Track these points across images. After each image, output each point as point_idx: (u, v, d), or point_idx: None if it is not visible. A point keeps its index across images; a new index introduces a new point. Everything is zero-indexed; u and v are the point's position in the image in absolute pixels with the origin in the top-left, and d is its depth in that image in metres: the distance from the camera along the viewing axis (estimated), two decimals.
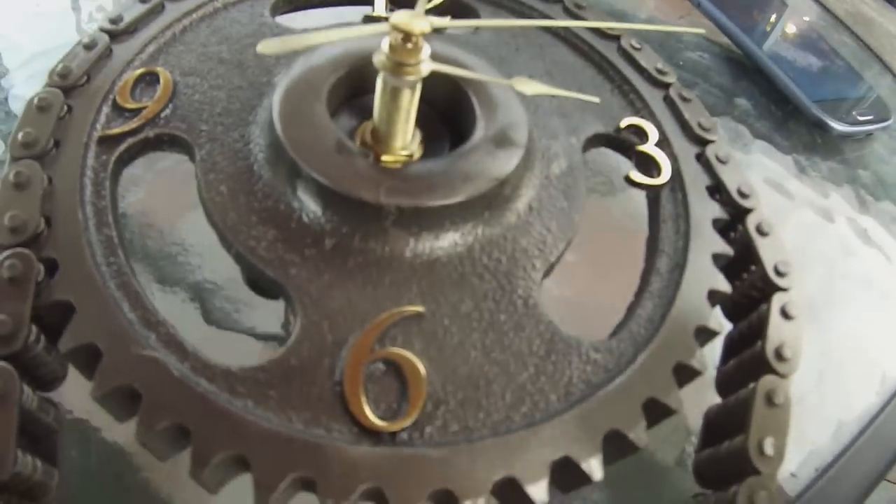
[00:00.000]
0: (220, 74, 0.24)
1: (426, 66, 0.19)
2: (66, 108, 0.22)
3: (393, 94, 0.20)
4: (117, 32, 0.24)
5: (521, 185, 0.22)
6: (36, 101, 0.22)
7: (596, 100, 0.23)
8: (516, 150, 0.22)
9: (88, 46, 0.24)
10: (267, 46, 0.19)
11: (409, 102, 0.21)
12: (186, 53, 0.25)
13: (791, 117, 0.36)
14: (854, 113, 0.36)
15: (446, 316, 0.19)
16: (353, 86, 0.23)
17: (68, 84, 0.23)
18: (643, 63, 0.28)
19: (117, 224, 0.20)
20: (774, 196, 0.33)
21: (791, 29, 0.41)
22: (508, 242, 0.21)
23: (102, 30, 0.24)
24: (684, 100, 0.27)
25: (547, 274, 0.21)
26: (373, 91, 0.22)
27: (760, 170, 0.34)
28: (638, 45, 0.28)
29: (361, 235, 0.20)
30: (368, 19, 0.27)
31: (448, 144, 0.23)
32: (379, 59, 0.19)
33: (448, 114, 0.23)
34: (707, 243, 0.23)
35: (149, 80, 0.23)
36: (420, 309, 0.19)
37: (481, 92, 0.23)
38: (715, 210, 0.24)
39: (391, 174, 0.20)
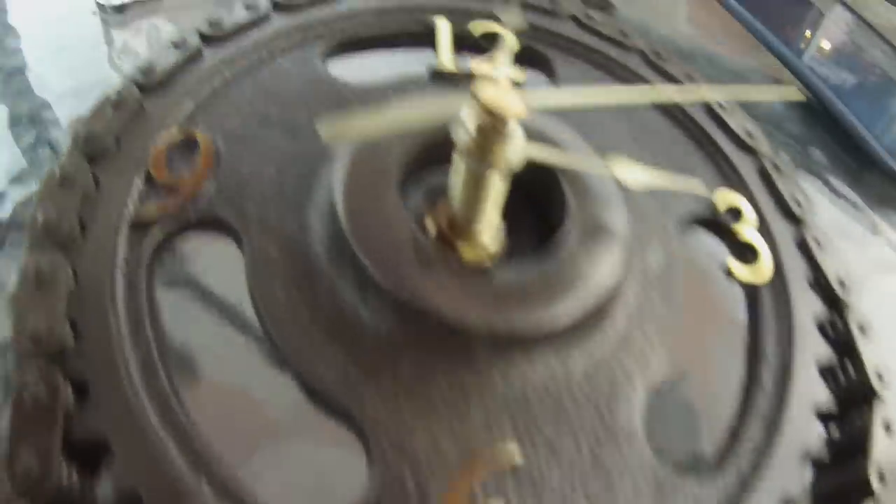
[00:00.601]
0: (269, 141, 0.20)
1: (519, 153, 0.16)
2: (93, 181, 0.19)
3: (478, 181, 0.17)
4: (149, 86, 0.21)
5: (623, 296, 0.19)
6: (58, 172, 0.18)
7: (705, 192, 0.20)
8: (616, 244, 0.18)
9: (117, 105, 0.20)
10: (330, 131, 0.15)
11: (498, 191, 0.17)
12: (229, 113, 0.21)
13: (866, 167, 0.33)
14: None
15: (544, 459, 0.16)
16: (427, 156, 0.19)
17: (95, 151, 0.19)
18: (732, 125, 0.25)
19: (157, 333, 0.17)
20: (852, 254, 0.30)
21: (864, 74, 0.38)
22: (609, 363, 0.18)
23: (133, 82, 0.21)
24: (779, 171, 0.24)
25: (648, 394, 0.18)
26: (448, 160, 0.18)
27: (836, 227, 0.31)
28: (726, 105, 0.25)
29: (447, 360, 0.17)
30: (436, 76, 0.23)
31: (531, 228, 0.20)
32: (462, 140, 0.16)
33: (531, 191, 0.20)
34: (812, 350, 0.20)
35: (187, 146, 0.20)
36: (516, 460, 0.16)
37: (573, 175, 0.19)
38: (816, 306, 0.21)
39: (480, 287, 0.17)
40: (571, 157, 0.18)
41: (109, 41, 0.32)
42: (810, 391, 0.19)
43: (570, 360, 0.18)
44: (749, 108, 0.34)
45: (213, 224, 0.19)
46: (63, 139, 0.28)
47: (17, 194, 0.25)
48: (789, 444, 0.18)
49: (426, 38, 0.25)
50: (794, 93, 0.23)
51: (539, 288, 0.17)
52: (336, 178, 0.18)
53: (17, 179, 0.26)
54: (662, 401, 0.20)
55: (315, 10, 0.24)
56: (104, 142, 0.19)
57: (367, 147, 0.19)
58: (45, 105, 0.29)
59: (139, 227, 0.18)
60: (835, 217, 0.32)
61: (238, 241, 0.18)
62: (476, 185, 0.17)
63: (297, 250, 0.18)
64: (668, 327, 0.19)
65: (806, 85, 0.35)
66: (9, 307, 0.16)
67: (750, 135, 0.25)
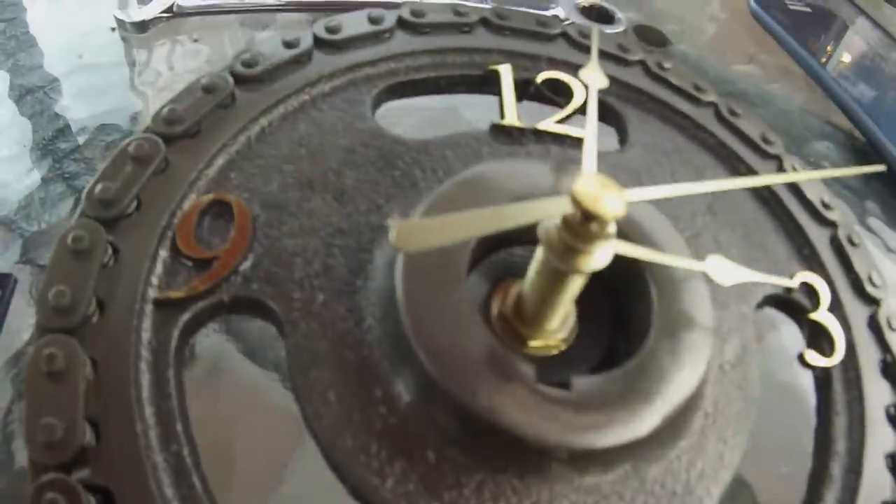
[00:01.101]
0: (313, 209, 0.18)
1: (608, 254, 0.14)
2: (110, 251, 0.16)
3: (556, 277, 0.15)
4: (175, 136, 0.18)
5: (698, 394, 0.17)
6: (70, 240, 0.16)
7: (793, 284, 0.18)
8: (703, 343, 0.16)
9: (137, 157, 0.17)
10: (404, 236, 0.13)
11: (576, 287, 0.15)
12: (267, 172, 0.18)
13: None
14: None
15: None
16: (496, 240, 0.17)
17: (112, 214, 0.17)
18: (809, 195, 0.22)
19: (187, 433, 0.15)
20: None
21: (885, 89, 0.36)
22: (683, 467, 0.16)
23: (155, 132, 0.18)
24: (853, 245, 0.22)
25: (721, 498, 0.17)
26: (516, 243, 0.16)
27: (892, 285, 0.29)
28: (798, 167, 0.23)
29: (517, 474, 0.15)
30: (498, 130, 0.21)
31: (606, 318, 0.18)
32: (547, 234, 0.14)
33: (609, 279, 0.18)
34: (882, 441, 0.18)
35: (219, 211, 0.17)
36: None
37: (658, 268, 0.17)
38: (888, 394, 0.19)
39: (557, 398, 0.15)
40: (665, 255, 0.16)
41: (131, 61, 0.30)
42: (879, 485, 0.18)
43: (645, 468, 0.16)
44: (802, 151, 0.32)
45: (249, 306, 0.16)
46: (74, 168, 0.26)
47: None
48: None
49: (486, 87, 0.23)
50: (879, 167, 0.20)
51: (621, 395, 0.15)
52: (397, 262, 0.16)
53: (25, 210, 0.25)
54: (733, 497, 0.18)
55: (364, 48, 0.22)
56: (123, 203, 0.17)
57: None
58: (63, 131, 0.27)
59: (165, 307, 0.16)
60: (891, 275, 0.30)
61: (279, 328, 0.16)
62: (554, 279, 0.15)
63: (348, 343, 0.16)
64: (742, 423, 0.17)
65: (855, 123, 0.33)
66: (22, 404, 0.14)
67: (826, 206, 0.22)
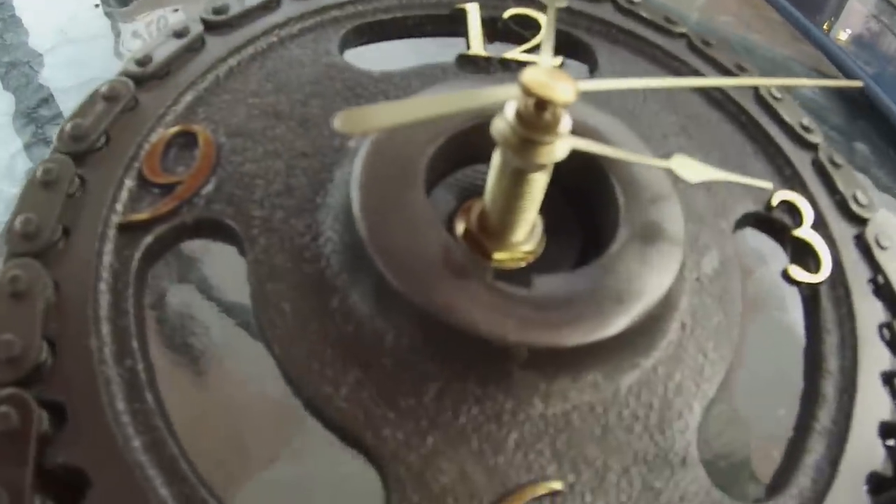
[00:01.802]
0: (277, 136, 0.18)
1: (564, 145, 0.14)
2: (77, 181, 0.16)
3: (516, 178, 0.15)
4: (145, 77, 0.18)
5: (674, 304, 0.16)
6: (40, 173, 0.16)
7: (768, 185, 0.17)
8: (673, 250, 0.16)
9: (108, 97, 0.17)
10: (347, 122, 0.12)
11: (537, 188, 0.15)
12: (233, 105, 0.18)
13: None
14: None
15: (589, 489, 0.14)
16: (456, 154, 0.17)
17: (81, 148, 0.17)
18: (786, 118, 0.22)
19: (143, 350, 0.15)
20: None
21: (883, 64, 0.35)
22: (660, 378, 0.16)
23: (127, 74, 0.18)
24: (835, 165, 0.21)
25: (704, 413, 0.16)
26: (480, 160, 0.16)
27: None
28: (779, 95, 0.23)
29: (478, 380, 0.14)
30: (464, 60, 0.21)
31: (573, 229, 0.18)
32: (501, 131, 0.14)
33: (576, 192, 0.18)
34: (876, 359, 0.18)
35: (184, 142, 0.17)
36: (558, 485, 0.14)
37: (622, 170, 0.17)
38: (880, 312, 0.19)
39: (518, 298, 0.14)
40: (624, 152, 0.15)
41: (116, 32, 0.30)
42: (876, 405, 0.17)
43: (618, 376, 0.15)
44: (787, 89, 0.31)
45: (211, 227, 0.16)
46: None
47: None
48: (855, 463, 0.16)
49: (453, 26, 0.22)
50: (853, 83, 0.20)
51: (585, 296, 0.15)
52: (353, 175, 0.16)
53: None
54: (718, 417, 0.17)
55: None
56: (91, 138, 0.17)
57: (390, 142, 0.16)
58: (46, 100, 0.27)
59: (128, 230, 0.16)
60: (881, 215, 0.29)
61: (240, 246, 0.16)
62: (514, 181, 0.15)
63: (306, 257, 0.15)
64: (723, 337, 0.17)
65: (846, 74, 0.33)
66: None
67: (806, 128, 0.22)
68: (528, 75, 0.13)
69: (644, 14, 0.24)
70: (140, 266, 0.16)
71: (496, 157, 0.15)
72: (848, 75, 0.32)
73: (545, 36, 0.15)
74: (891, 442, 0.17)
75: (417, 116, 0.13)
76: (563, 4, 0.17)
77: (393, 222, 0.15)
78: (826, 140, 0.30)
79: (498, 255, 0.16)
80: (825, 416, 0.17)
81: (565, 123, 0.13)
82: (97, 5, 0.30)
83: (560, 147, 0.14)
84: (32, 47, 0.30)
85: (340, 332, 0.14)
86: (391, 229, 0.15)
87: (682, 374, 0.16)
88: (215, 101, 0.19)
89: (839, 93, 0.33)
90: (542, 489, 0.13)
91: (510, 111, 0.13)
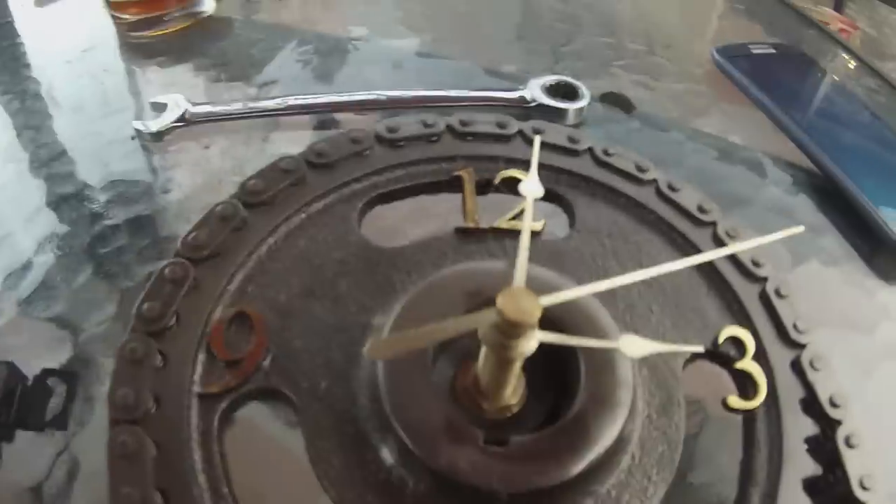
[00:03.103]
0: (314, 314, 0.26)
1: (534, 343, 0.21)
2: (160, 356, 0.24)
3: (499, 365, 0.22)
4: (201, 259, 0.26)
5: (625, 441, 0.24)
6: (128, 352, 0.24)
7: (699, 349, 0.25)
8: (621, 412, 0.23)
9: (172, 280, 0.25)
10: (375, 352, 0.21)
11: (515, 368, 0.22)
12: (277, 285, 0.26)
13: (879, 249, 0.37)
14: None
15: None
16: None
17: (158, 328, 0.24)
18: (740, 256, 0.29)
19: (232, 492, 0.22)
20: (862, 342, 0.34)
21: (879, 149, 0.42)
22: (613, 499, 0.23)
23: (185, 256, 0.26)
24: (780, 296, 0.28)
25: None
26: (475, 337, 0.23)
27: (845, 316, 0.35)
28: (733, 234, 0.30)
29: None
30: (461, 232, 0.29)
31: (550, 387, 0.25)
32: (485, 336, 0.21)
33: (552, 358, 0.24)
34: (799, 468, 0.25)
35: (241, 321, 0.25)
36: None
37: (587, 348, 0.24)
38: (808, 427, 0.26)
39: (501, 455, 0.22)
40: (580, 339, 0.22)
41: (151, 168, 0.38)
42: None
43: (580, 500, 0.23)
44: (757, 197, 0.39)
45: (271, 394, 0.24)
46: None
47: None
48: None
49: (453, 185, 0.30)
50: (798, 230, 0.27)
51: (550, 451, 0.22)
52: (380, 367, 0.23)
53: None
54: None
55: (348, 166, 0.29)
56: (165, 320, 0.24)
57: (403, 325, 0.24)
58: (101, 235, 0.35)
59: (205, 399, 0.23)
60: (845, 305, 0.36)
61: (294, 409, 0.24)
62: (497, 364, 0.22)
63: (346, 420, 0.23)
64: (666, 462, 0.24)
65: (815, 162, 0.40)
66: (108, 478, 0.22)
67: (756, 264, 0.29)
68: (502, 302, 0.20)
69: (617, 164, 0.31)
70: (220, 424, 0.23)
71: (482, 350, 0.22)
72: (819, 167, 0.39)
73: (521, 247, 0.23)
74: None
75: (425, 342, 0.21)
76: (540, 195, 0.25)
77: (408, 395, 0.22)
78: (793, 240, 0.37)
79: (488, 408, 0.23)
80: None
81: (532, 329, 0.21)
82: (133, 137, 0.38)
83: (530, 345, 0.21)
84: (78, 178, 0.38)
85: (376, 479, 0.22)
86: (407, 400, 0.22)
87: (629, 494, 0.23)
88: (261, 279, 0.26)
89: (811, 186, 0.40)
90: None
91: (490, 324, 0.21)
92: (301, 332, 0.25)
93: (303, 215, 0.28)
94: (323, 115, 0.39)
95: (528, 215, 0.24)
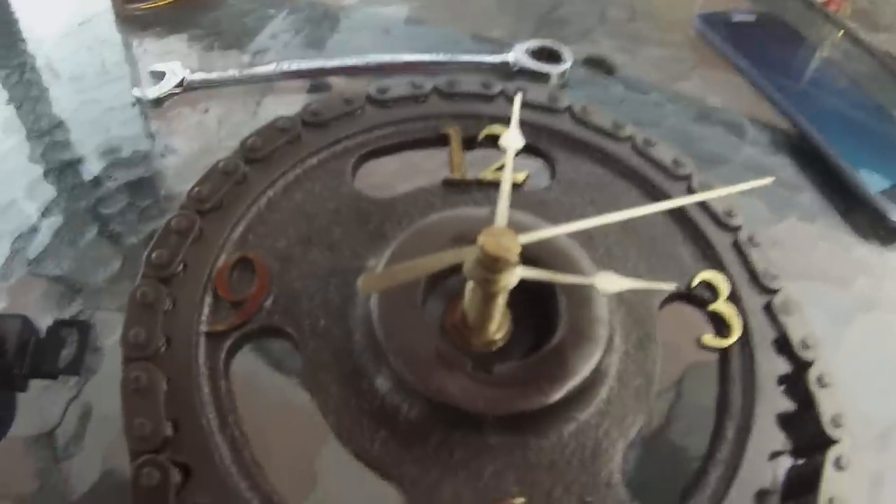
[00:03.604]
0: (312, 259, 0.28)
1: (516, 278, 0.24)
2: (169, 300, 0.26)
3: (484, 299, 0.24)
4: (206, 210, 0.28)
5: (603, 373, 0.26)
6: (139, 296, 0.26)
7: (672, 287, 0.27)
8: (598, 344, 0.26)
9: (180, 231, 0.27)
10: (367, 285, 0.23)
11: (500, 301, 0.25)
12: (276, 234, 0.28)
13: (855, 207, 0.39)
14: None
15: (542, 502, 0.24)
16: (443, 273, 0.26)
17: (167, 274, 0.26)
18: (713, 207, 0.31)
19: (237, 421, 0.25)
20: (837, 294, 0.37)
21: (857, 113, 0.45)
22: (592, 426, 0.25)
23: (191, 208, 0.28)
24: (753, 244, 0.31)
25: (626, 449, 0.26)
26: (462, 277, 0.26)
27: (822, 269, 0.38)
28: (707, 187, 0.32)
29: (463, 434, 0.24)
30: (448, 183, 0.31)
31: (534, 319, 0.27)
32: (469, 271, 0.23)
33: (534, 296, 0.27)
34: (772, 403, 0.27)
35: (244, 266, 0.27)
36: (520, 500, 0.24)
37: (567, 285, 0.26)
38: (780, 365, 0.28)
39: (487, 381, 0.24)
40: (559, 275, 0.25)
41: (149, 133, 0.40)
42: (767, 440, 0.26)
43: (562, 426, 0.25)
44: (737, 155, 0.41)
45: (273, 332, 0.26)
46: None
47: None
48: (745, 483, 0.25)
49: (440, 142, 0.33)
50: (767, 181, 0.29)
51: (532, 378, 0.25)
52: (373, 303, 0.26)
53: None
54: (643, 452, 0.27)
55: (341, 125, 0.32)
56: (174, 266, 0.27)
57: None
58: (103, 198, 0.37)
59: (212, 337, 0.26)
60: (822, 259, 0.38)
61: (295, 345, 0.26)
62: (483, 298, 0.24)
63: (343, 354, 0.25)
64: (643, 395, 0.26)
65: (794, 124, 0.42)
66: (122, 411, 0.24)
67: (729, 213, 0.31)
68: (485, 240, 0.22)
69: (595, 121, 0.33)
70: (226, 361, 0.26)
71: (467, 285, 0.24)
72: (798, 128, 0.42)
73: (502, 190, 0.25)
74: (780, 466, 0.26)
75: (414, 275, 0.23)
76: (521, 146, 0.27)
77: (400, 329, 0.25)
78: (772, 197, 0.39)
79: (475, 343, 0.26)
80: (725, 449, 0.26)
81: (514, 264, 0.23)
82: (133, 104, 0.40)
83: (512, 279, 0.23)
84: (76, 146, 0.40)
85: (371, 406, 0.25)
86: (399, 334, 0.25)
87: (609, 423, 0.26)
88: (261, 229, 0.29)
89: (789, 147, 0.42)
90: (510, 502, 0.23)
91: (473, 259, 0.23)
92: (300, 276, 0.27)
93: (298, 170, 0.30)
94: (315, 80, 0.41)
95: (508, 164, 0.27)
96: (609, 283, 0.25)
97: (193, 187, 0.29)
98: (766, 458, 0.26)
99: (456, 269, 0.27)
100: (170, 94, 0.40)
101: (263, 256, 0.28)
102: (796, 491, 0.25)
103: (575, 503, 0.24)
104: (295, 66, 0.40)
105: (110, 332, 0.31)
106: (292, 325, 0.26)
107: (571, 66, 0.42)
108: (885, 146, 0.42)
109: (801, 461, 0.26)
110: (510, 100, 0.34)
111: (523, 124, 0.31)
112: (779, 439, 0.26)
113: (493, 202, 0.29)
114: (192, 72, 0.40)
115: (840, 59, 0.48)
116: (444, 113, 0.33)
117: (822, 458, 0.25)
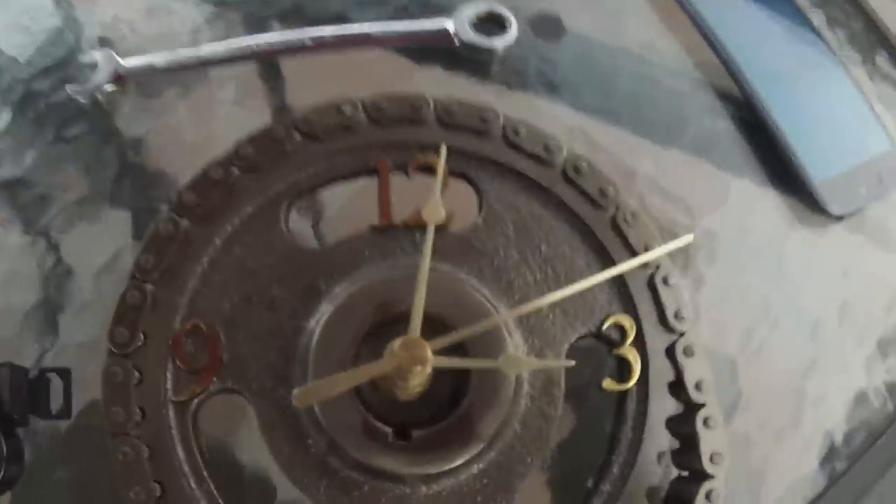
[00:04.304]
0: (254, 320, 0.32)
1: (429, 370, 0.28)
2: (137, 374, 0.31)
3: (403, 378, 0.29)
4: (154, 279, 0.32)
5: (510, 420, 0.31)
6: (111, 376, 0.30)
7: (571, 363, 0.31)
8: (504, 405, 0.31)
9: (135, 306, 0.31)
10: (302, 399, 0.28)
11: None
12: (220, 296, 0.32)
13: (796, 194, 0.42)
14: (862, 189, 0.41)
15: None
16: (375, 331, 0.31)
17: (130, 350, 0.31)
18: (633, 242, 0.34)
19: (212, 477, 0.31)
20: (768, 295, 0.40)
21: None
22: (495, 465, 0.32)
23: (141, 279, 0.31)
24: (666, 284, 0.33)
25: (525, 485, 0.32)
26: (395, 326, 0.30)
27: (757, 262, 0.41)
28: (630, 219, 0.34)
29: (389, 484, 0.31)
30: (375, 230, 0.33)
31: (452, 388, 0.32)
32: (388, 372, 0.28)
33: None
34: (656, 442, 0.33)
35: (196, 333, 0.32)
36: None
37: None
38: (671, 408, 0.33)
39: (407, 449, 0.30)
40: (466, 361, 0.29)
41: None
42: (647, 472, 0.32)
43: (468, 476, 0.31)
44: (683, 129, 0.42)
45: (230, 393, 0.31)
46: None
47: None
48: None
49: (372, 172, 0.34)
50: (687, 239, 0.32)
51: (446, 443, 0.30)
52: (309, 367, 0.31)
53: None
54: (541, 481, 0.34)
55: (273, 166, 0.33)
56: (136, 342, 0.31)
57: (330, 335, 0.31)
58: None
59: (179, 404, 0.31)
60: (760, 241, 0.41)
61: (250, 402, 0.31)
62: (403, 381, 0.29)
63: (289, 415, 0.31)
64: (543, 436, 0.32)
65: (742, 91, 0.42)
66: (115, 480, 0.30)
67: (647, 247, 0.33)
68: (398, 355, 0.27)
69: (526, 147, 0.34)
70: (193, 422, 0.31)
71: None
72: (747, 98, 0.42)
73: (416, 294, 0.28)
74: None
75: (343, 388, 0.28)
76: (441, 220, 0.30)
77: (333, 402, 0.30)
78: (711, 180, 0.41)
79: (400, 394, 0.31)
80: (607, 482, 0.32)
81: (426, 369, 0.27)
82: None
83: (426, 372, 0.28)
84: None
85: (316, 460, 0.31)
86: (332, 406, 0.30)
87: (511, 461, 0.32)
88: (207, 292, 0.32)
89: (739, 118, 0.42)
90: None
91: (391, 366, 0.27)
92: (245, 339, 0.32)
93: (236, 221, 0.33)
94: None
95: (427, 245, 0.29)
96: (514, 364, 0.29)
97: (139, 255, 0.32)
98: (644, 492, 0.32)
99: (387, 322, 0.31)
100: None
101: (212, 321, 0.32)
102: None
103: None
104: (234, 45, 0.39)
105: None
106: (244, 387, 0.31)
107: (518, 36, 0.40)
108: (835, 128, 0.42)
109: (677, 491, 0.33)
110: (442, 123, 0.34)
111: (451, 151, 0.32)
112: (657, 475, 0.33)
113: (418, 246, 0.32)
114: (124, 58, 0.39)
115: (816, 21, 0.45)
116: (373, 143, 0.34)
117: (696, 490, 0.31)
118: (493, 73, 0.41)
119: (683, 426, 0.33)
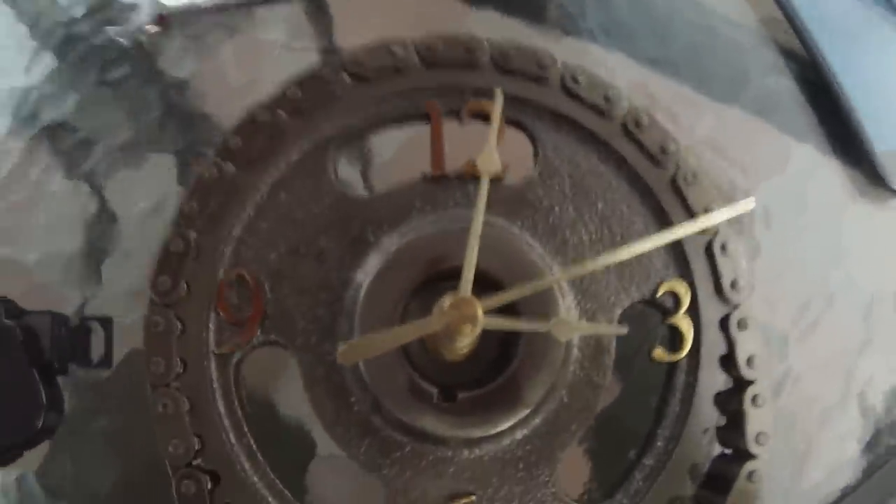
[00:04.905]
0: (300, 273, 0.31)
1: (478, 331, 0.27)
2: (179, 325, 0.30)
3: (451, 337, 0.28)
4: (199, 226, 0.31)
5: (557, 387, 0.31)
6: (152, 326, 0.30)
7: (624, 331, 0.30)
8: (552, 370, 0.30)
9: (179, 253, 0.31)
10: (347, 356, 0.27)
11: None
12: (266, 247, 0.31)
13: (858, 164, 0.40)
14: None
15: (488, 499, 0.31)
16: (425, 286, 0.31)
17: (174, 300, 0.30)
18: (691, 202, 0.32)
19: (252, 431, 0.31)
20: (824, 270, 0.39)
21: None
22: (540, 433, 0.31)
23: (184, 226, 0.31)
24: (724, 252, 0.32)
25: (566, 455, 0.32)
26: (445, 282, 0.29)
27: (814, 234, 0.40)
28: (691, 179, 0.32)
29: (431, 446, 0.31)
30: (427, 180, 0.32)
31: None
32: (437, 332, 0.27)
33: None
34: (704, 417, 0.32)
35: (240, 283, 0.31)
36: (472, 497, 0.31)
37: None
38: (720, 382, 0.32)
39: (452, 410, 0.30)
40: (518, 323, 0.29)
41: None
42: (692, 451, 0.31)
43: (510, 441, 0.31)
44: (745, 90, 0.40)
45: (273, 343, 0.31)
46: None
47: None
48: (663, 489, 0.31)
49: (423, 117, 0.33)
50: (749, 204, 0.30)
51: (489, 412, 0.30)
52: (356, 321, 0.30)
53: None
54: (584, 450, 0.33)
55: (321, 109, 0.32)
56: (178, 292, 0.30)
57: (377, 291, 0.30)
58: None
59: (220, 357, 0.31)
60: (821, 213, 0.40)
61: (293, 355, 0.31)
62: (449, 340, 0.28)
63: (334, 370, 0.31)
64: (590, 405, 0.31)
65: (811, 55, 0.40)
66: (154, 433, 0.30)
67: (707, 210, 0.32)
68: (448, 314, 0.26)
69: (585, 96, 0.32)
70: (235, 375, 0.31)
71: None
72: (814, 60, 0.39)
73: (478, 199, 0.28)
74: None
75: (389, 346, 0.27)
76: (496, 171, 0.29)
77: (378, 360, 0.29)
78: (772, 143, 0.39)
79: (447, 355, 0.30)
80: (651, 455, 0.32)
81: (476, 328, 0.27)
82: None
83: (475, 333, 0.27)
84: None
85: (358, 418, 0.31)
86: (377, 365, 0.30)
87: (557, 429, 0.31)
88: (253, 242, 0.32)
89: (804, 79, 0.40)
90: (465, 499, 0.31)
91: (440, 326, 0.27)
92: (292, 291, 0.31)
93: (283, 165, 0.32)
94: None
95: (481, 199, 0.28)
96: (565, 328, 0.29)
97: (183, 201, 0.31)
98: (687, 469, 0.32)
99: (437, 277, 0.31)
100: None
101: (257, 271, 0.31)
102: (708, 495, 0.32)
103: (517, 502, 0.31)
104: None
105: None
106: (288, 341, 0.31)
107: None
108: None
109: (719, 469, 0.32)
110: (498, 68, 0.33)
111: (507, 98, 0.31)
112: (702, 451, 0.32)
113: (471, 199, 0.31)
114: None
115: None
116: (425, 87, 0.33)
117: (738, 470, 0.31)
118: (549, 16, 0.40)
119: (731, 402, 0.32)
